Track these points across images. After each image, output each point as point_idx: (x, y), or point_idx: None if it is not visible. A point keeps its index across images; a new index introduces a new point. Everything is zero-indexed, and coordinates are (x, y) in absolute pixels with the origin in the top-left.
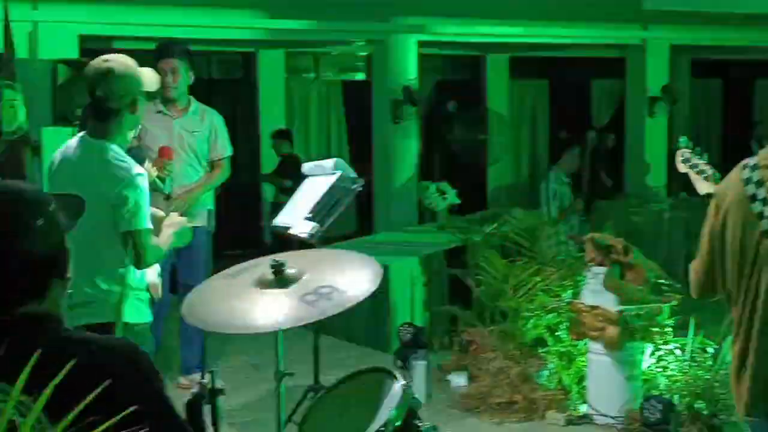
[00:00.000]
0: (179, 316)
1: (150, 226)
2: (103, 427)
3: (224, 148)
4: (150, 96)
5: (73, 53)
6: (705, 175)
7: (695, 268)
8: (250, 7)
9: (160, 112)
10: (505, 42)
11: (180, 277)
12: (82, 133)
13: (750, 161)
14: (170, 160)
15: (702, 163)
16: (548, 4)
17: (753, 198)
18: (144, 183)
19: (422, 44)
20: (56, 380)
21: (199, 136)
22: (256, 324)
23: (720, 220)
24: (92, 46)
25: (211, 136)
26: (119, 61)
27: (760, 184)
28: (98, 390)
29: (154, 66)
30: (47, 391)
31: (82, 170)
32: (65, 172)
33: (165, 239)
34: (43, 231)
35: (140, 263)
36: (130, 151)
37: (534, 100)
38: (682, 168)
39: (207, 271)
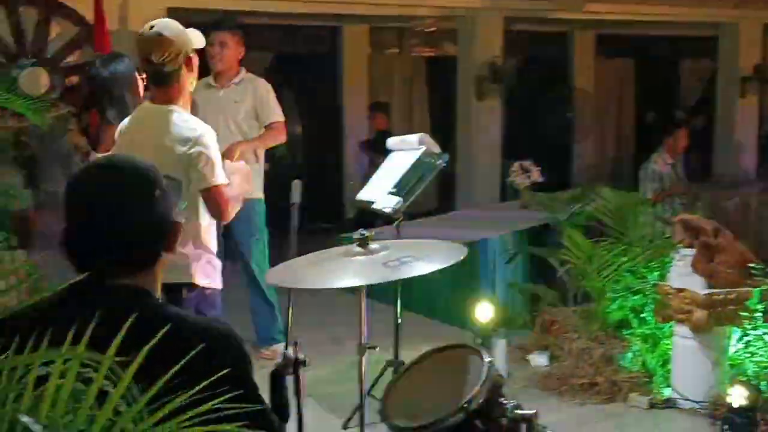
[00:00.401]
0: (243, 285)
1: (226, 180)
2: (187, 395)
3: (270, 114)
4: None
5: None
6: None
7: None
8: None
9: (209, 85)
10: (593, 19)
11: (238, 247)
12: (145, 102)
13: None
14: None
15: None
16: None
17: None
18: (213, 140)
19: (508, 20)
20: (149, 346)
21: (241, 106)
22: (338, 281)
23: None
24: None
25: (256, 104)
26: (163, 24)
27: None
28: (186, 360)
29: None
30: (138, 359)
31: (149, 137)
32: (134, 141)
33: (237, 187)
34: (159, 202)
35: (224, 216)
36: None
37: (620, 79)
38: None
39: (265, 241)
